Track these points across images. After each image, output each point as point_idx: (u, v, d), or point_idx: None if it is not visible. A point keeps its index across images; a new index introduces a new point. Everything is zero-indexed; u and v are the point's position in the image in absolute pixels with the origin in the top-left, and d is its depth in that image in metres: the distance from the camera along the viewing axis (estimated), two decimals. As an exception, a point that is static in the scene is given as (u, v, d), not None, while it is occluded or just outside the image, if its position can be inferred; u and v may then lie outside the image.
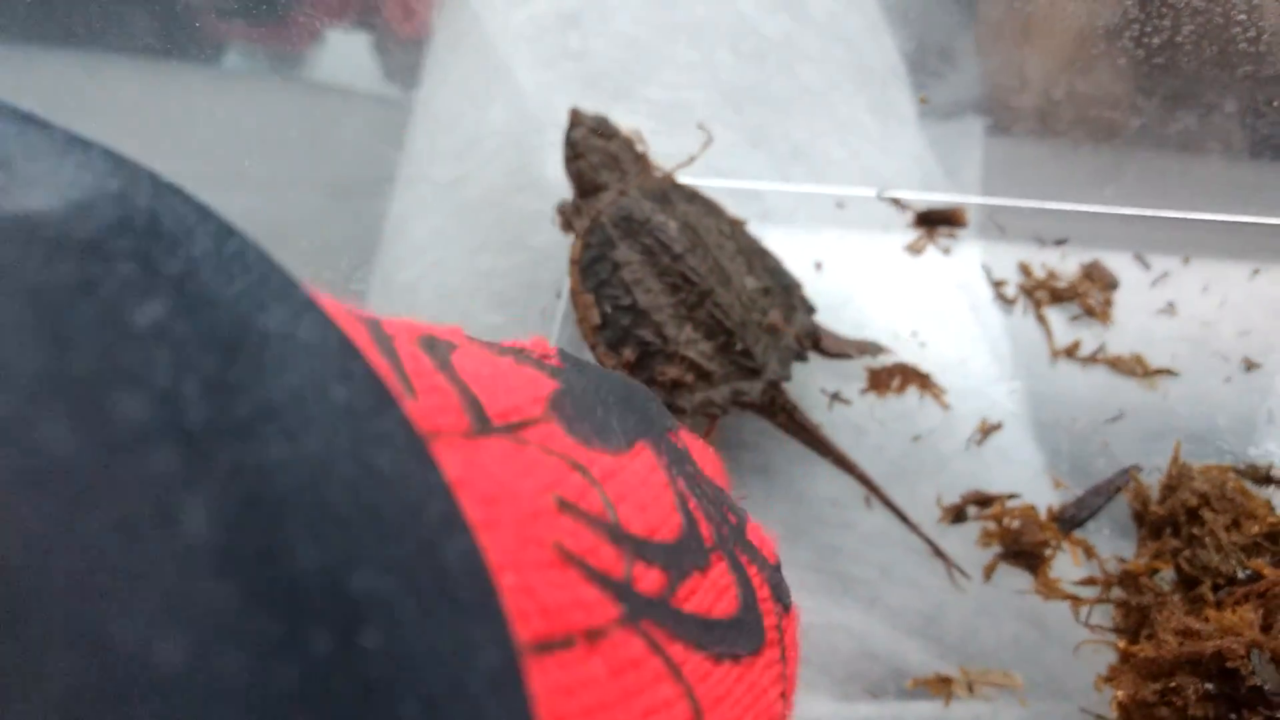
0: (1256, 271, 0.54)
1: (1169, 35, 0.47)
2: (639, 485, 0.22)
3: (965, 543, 0.50)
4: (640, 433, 0.24)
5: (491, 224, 0.61)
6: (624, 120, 0.64)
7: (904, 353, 0.55)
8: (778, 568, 0.28)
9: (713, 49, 0.65)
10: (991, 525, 0.49)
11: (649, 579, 0.20)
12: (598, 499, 0.20)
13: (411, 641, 0.13)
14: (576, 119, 0.53)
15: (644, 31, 0.65)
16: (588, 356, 0.57)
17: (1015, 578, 0.48)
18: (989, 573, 0.48)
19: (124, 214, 0.14)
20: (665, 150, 0.54)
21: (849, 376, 0.55)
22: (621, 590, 0.19)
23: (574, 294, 0.50)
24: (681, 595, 0.21)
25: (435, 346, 0.20)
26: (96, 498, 0.11)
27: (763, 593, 0.25)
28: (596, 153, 0.52)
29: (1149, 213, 0.56)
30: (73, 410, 0.12)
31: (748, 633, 0.23)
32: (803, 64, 0.64)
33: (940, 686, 0.48)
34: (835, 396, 0.54)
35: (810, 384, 0.53)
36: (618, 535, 0.20)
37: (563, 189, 0.62)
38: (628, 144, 0.53)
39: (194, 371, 0.13)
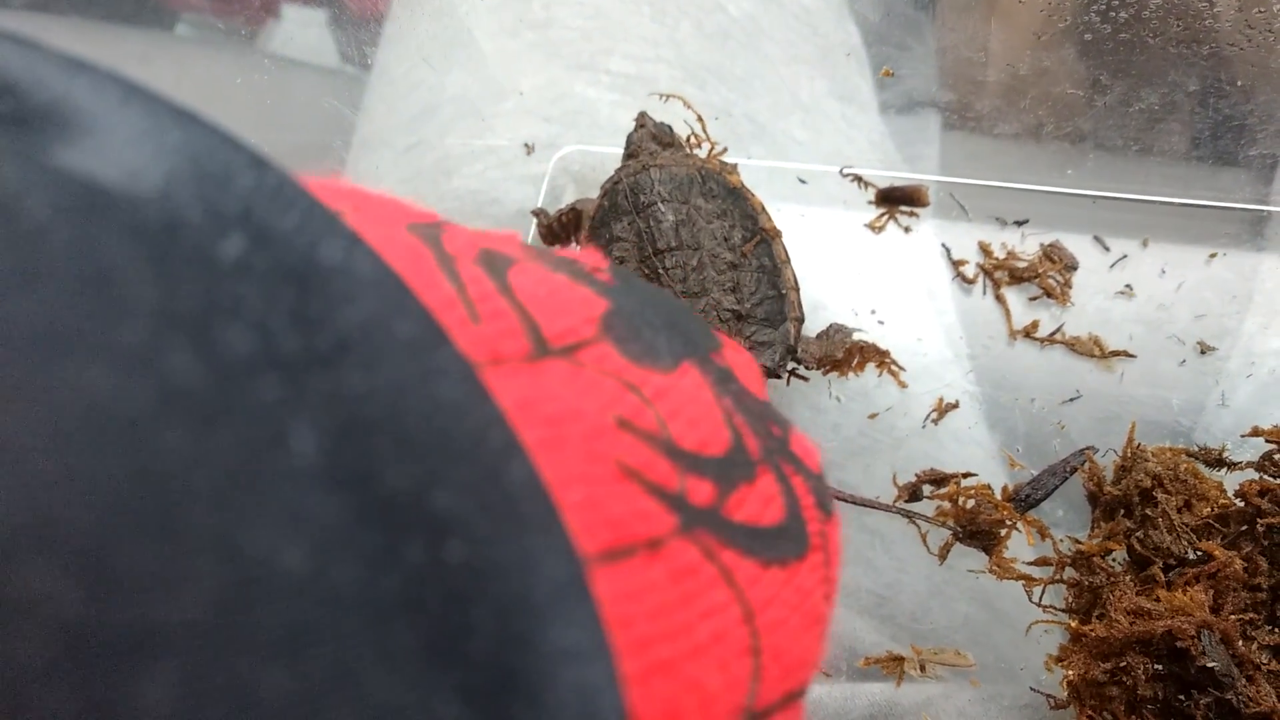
0: (1213, 256, 0.54)
1: (1135, 10, 0.47)
2: (688, 403, 0.23)
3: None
4: (686, 353, 0.25)
5: (448, 192, 0.60)
6: (586, 91, 0.62)
7: (863, 331, 0.55)
8: (821, 476, 0.29)
9: (677, 24, 0.64)
10: (946, 504, 0.48)
11: (701, 491, 0.21)
12: (652, 417, 0.21)
13: (485, 556, 0.14)
14: (642, 120, 0.53)
15: (608, 3, 0.64)
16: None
17: (968, 558, 0.48)
18: (944, 553, 0.48)
19: (184, 159, 0.15)
20: (623, 124, 0.54)
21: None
22: (677, 502, 0.20)
23: (582, 247, 0.51)
24: (731, 505, 0.22)
25: (494, 264, 0.21)
26: (222, 420, 0.13)
27: (806, 500, 0.26)
28: (648, 154, 0.52)
29: (1109, 195, 0.56)
30: (192, 342, 0.13)
31: (793, 539, 0.24)
32: (766, 42, 0.64)
33: (893, 665, 0.48)
34: (792, 373, 0.54)
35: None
36: (671, 451, 0.21)
37: (520, 157, 0.61)
38: (682, 148, 0.53)
39: (278, 304, 0.14)
